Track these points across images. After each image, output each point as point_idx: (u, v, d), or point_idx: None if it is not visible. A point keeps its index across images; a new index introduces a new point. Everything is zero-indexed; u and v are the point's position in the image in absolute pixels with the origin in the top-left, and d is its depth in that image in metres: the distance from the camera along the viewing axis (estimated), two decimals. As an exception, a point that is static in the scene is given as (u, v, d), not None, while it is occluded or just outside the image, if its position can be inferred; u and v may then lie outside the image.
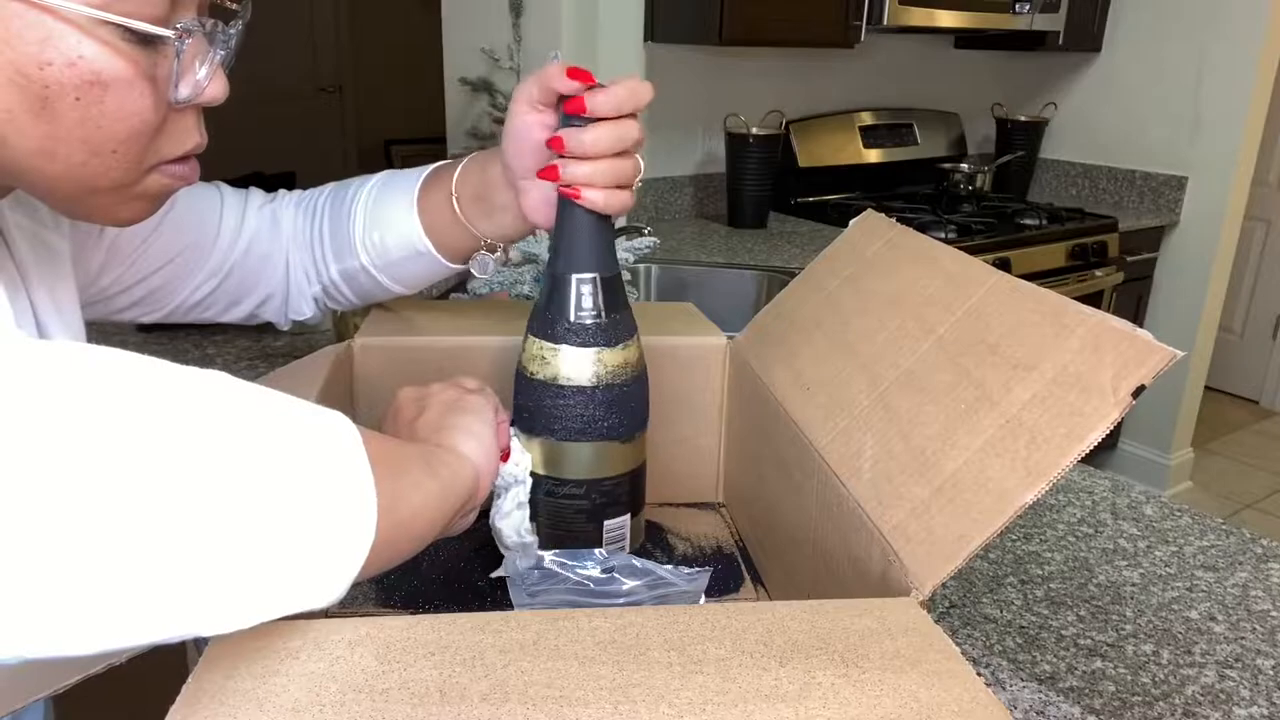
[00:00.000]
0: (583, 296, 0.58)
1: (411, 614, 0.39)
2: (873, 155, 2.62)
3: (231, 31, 0.49)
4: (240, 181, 0.80)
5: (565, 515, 0.62)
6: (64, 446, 0.29)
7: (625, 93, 0.56)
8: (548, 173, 0.57)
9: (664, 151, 2.32)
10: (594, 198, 0.57)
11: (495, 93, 2.13)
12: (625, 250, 1.26)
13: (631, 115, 0.57)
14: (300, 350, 1.23)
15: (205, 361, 1.21)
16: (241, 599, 0.33)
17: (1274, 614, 0.74)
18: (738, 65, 2.38)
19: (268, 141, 4.93)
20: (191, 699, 0.33)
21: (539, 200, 0.63)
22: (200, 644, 0.38)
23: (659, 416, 0.78)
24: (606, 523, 0.62)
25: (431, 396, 0.54)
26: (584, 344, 0.59)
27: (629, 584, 0.50)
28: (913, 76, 2.76)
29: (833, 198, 2.54)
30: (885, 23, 2.13)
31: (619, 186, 0.58)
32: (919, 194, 2.62)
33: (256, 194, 0.77)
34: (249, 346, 1.26)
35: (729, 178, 2.30)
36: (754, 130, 2.22)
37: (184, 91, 0.47)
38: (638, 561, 0.50)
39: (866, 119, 2.63)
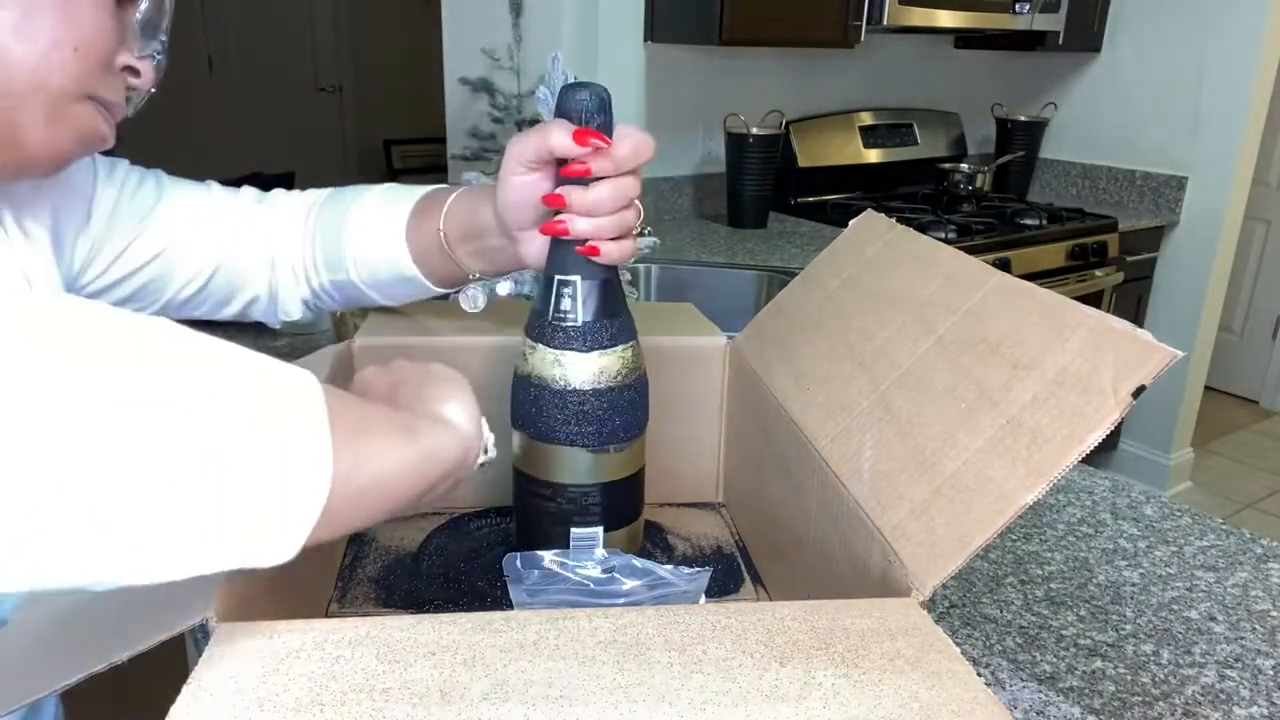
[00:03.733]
0: (575, 299, 0.58)
1: (412, 614, 0.39)
2: (873, 155, 2.62)
3: (164, 46, 0.57)
4: (241, 181, 0.79)
5: (552, 518, 0.62)
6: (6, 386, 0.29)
7: (628, 152, 0.55)
8: (551, 229, 0.56)
9: (664, 151, 2.30)
10: (610, 250, 0.57)
11: (495, 93, 2.13)
12: (625, 250, 1.26)
13: (632, 171, 0.56)
14: (300, 350, 1.23)
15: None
16: (178, 549, 0.32)
17: (1274, 614, 0.74)
18: (738, 65, 2.38)
19: (268, 141, 4.94)
20: (192, 698, 0.33)
21: (539, 249, 0.62)
22: (200, 643, 0.38)
23: (659, 416, 0.78)
24: (577, 531, 0.62)
25: (403, 369, 0.51)
26: (578, 348, 0.58)
27: (629, 584, 0.50)
28: (913, 76, 2.76)
29: (833, 198, 2.54)
30: (885, 23, 2.13)
31: (620, 236, 0.57)
32: (919, 194, 2.62)
33: (249, 192, 0.76)
34: (249, 345, 1.26)
35: (729, 178, 2.30)
36: (754, 130, 2.22)
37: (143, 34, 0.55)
38: (638, 561, 0.50)
39: (866, 119, 2.63)
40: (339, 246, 0.72)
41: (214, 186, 0.75)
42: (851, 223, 0.71)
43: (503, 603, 0.60)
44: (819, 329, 0.66)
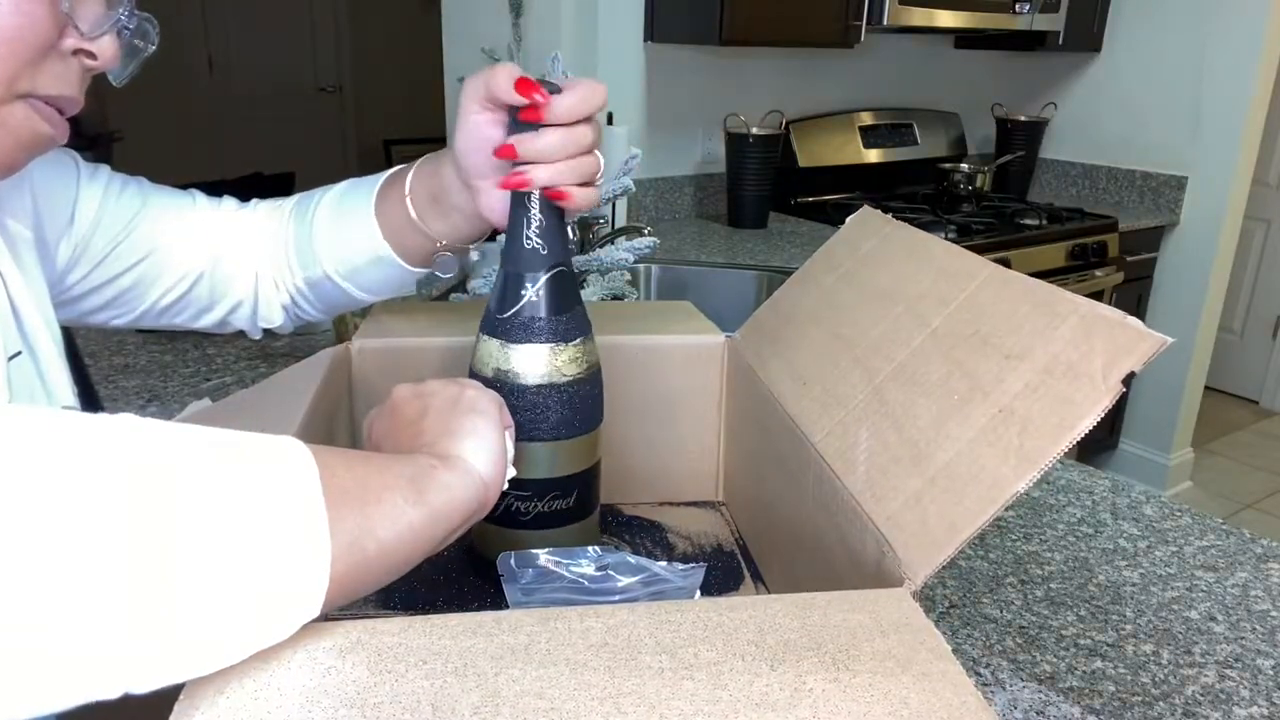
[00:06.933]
0: (531, 294, 0.58)
1: (410, 614, 0.39)
2: (873, 155, 2.62)
3: (130, 11, 0.51)
4: (241, 181, 0.79)
5: (513, 518, 0.62)
6: None
7: (577, 100, 0.55)
8: (511, 182, 0.56)
9: (664, 151, 2.32)
10: (570, 194, 0.57)
11: (495, 93, 2.12)
12: (625, 250, 1.26)
13: (586, 120, 0.56)
14: (301, 350, 1.23)
15: (205, 362, 1.21)
16: (179, 653, 0.32)
17: (1274, 614, 0.74)
18: (738, 65, 2.38)
19: (268, 141, 4.94)
20: (184, 716, 0.33)
21: (498, 200, 0.62)
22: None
23: (659, 415, 0.78)
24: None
25: (433, 395, 0.51)
26: (533, 342, 0.58)
27: (624, 581, 0.49)
28: (913, 76, 2.76)
29: (833, 198, 2.54)
30: (885, 23, 2.13)
31: (582, 184, 0.57)
32: (919, 194, 2.61)
33: (230, 201, 0.76)
34: (249, 346, 1.26)
35: (729, 178, 2.30)
36: (754, 130, 2.21)
37: (83, 23, 0.49)
38: (632, 558, 0.50)
39: (866, 119, 2.62)
40: (310, 241, 0.71)
41: (197, 195, 0.74)
42: (848, 219, 0.71)
43: (500, 601, 0.60)
44: (815, 325, 0.66)
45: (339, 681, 0.35)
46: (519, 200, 0.58)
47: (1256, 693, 0.65)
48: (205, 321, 0.75)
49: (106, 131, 4.37)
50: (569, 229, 0.60)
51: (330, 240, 0.70)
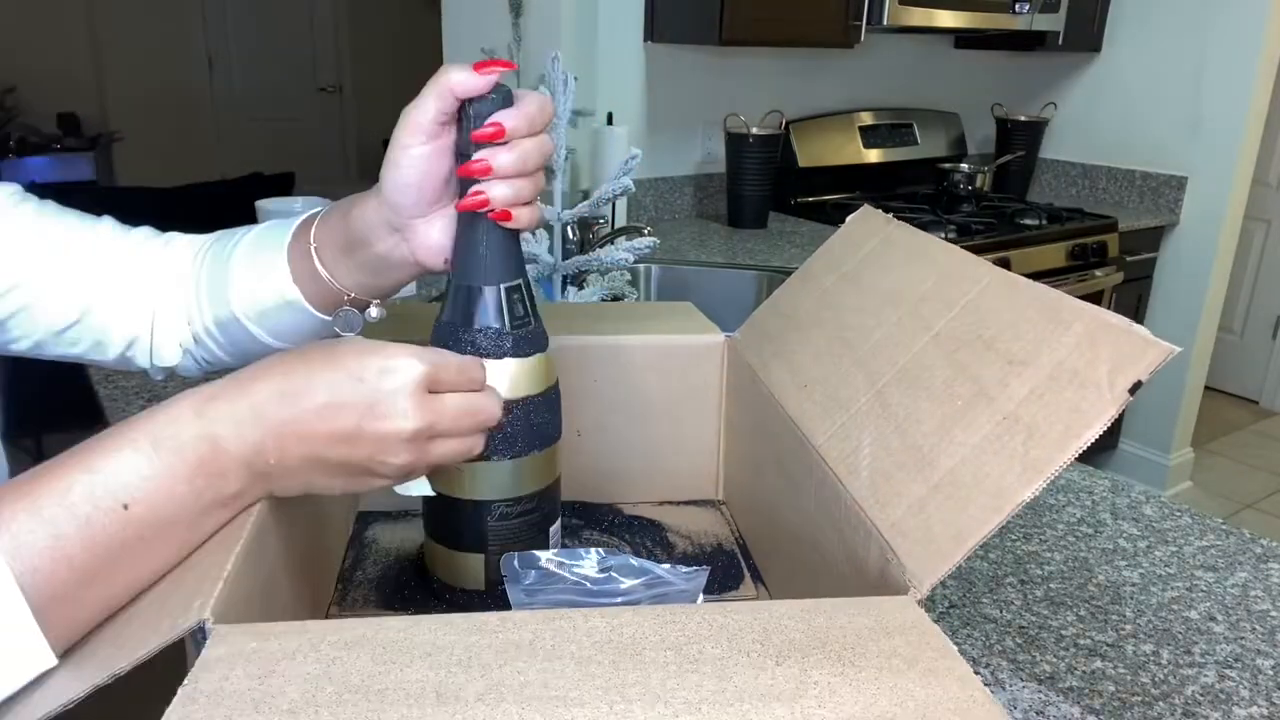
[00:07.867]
0: (484, 308, 0.56)
1: (409, 615, 0.39)
2: (873, 155, 2.62)
3: None
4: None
5: (456, 535, 0.61)
6: None
7: (536, 109, 0.54)
8: (470, 204, 0.54)
9: (664, 151, 2.32)
10: (521, 215, 0.55)
11: (495, 93, 2.12)
12: (625, 250, 1.26)
13: (537, 134, 0.55)
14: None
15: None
16: None
17: (1274, 614, 0.74)
18: (738, 65, 2.38)
19: (268, 141, 4.94)
20: (188, 700, 0.33)
21: (438, 240, 0.58)
22: (199, 643, 0.38)
23: (659, 415, 0.78)
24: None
25: (359, 433, 0.48)
26: (487, 356, 0.56)
27: (627, 583, 0.49)
28: (913, 76, 2.76)
29: (833, 198, 2.54)
30: (885, 23, 2.13)
31: (526, 203, 0.56)
32: (919, 194, 2.62)
33: (143, 230, 0.71)
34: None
35: (729, 178, 2.30)
36: (754, 130, 2.21)
37: None
38: (635, 560, 0.50)
39: (866, 119, 2.63)
40: (225, 279, 0.67)
41: (104, 221, 0.70)
42: (849, 219, 0.71)
43: (501, 603, 0.60)
44: (816, 326, 0.66)
45: (343, 670, 0.35)
46: (468, 214, 0.56)
47: (1256, 693, 0.65)
48: (105, 356, 0.70)
49: (106, 131, 4.38)
50: (518, 243, 0.58)
51: (242, 280, 0.66)
